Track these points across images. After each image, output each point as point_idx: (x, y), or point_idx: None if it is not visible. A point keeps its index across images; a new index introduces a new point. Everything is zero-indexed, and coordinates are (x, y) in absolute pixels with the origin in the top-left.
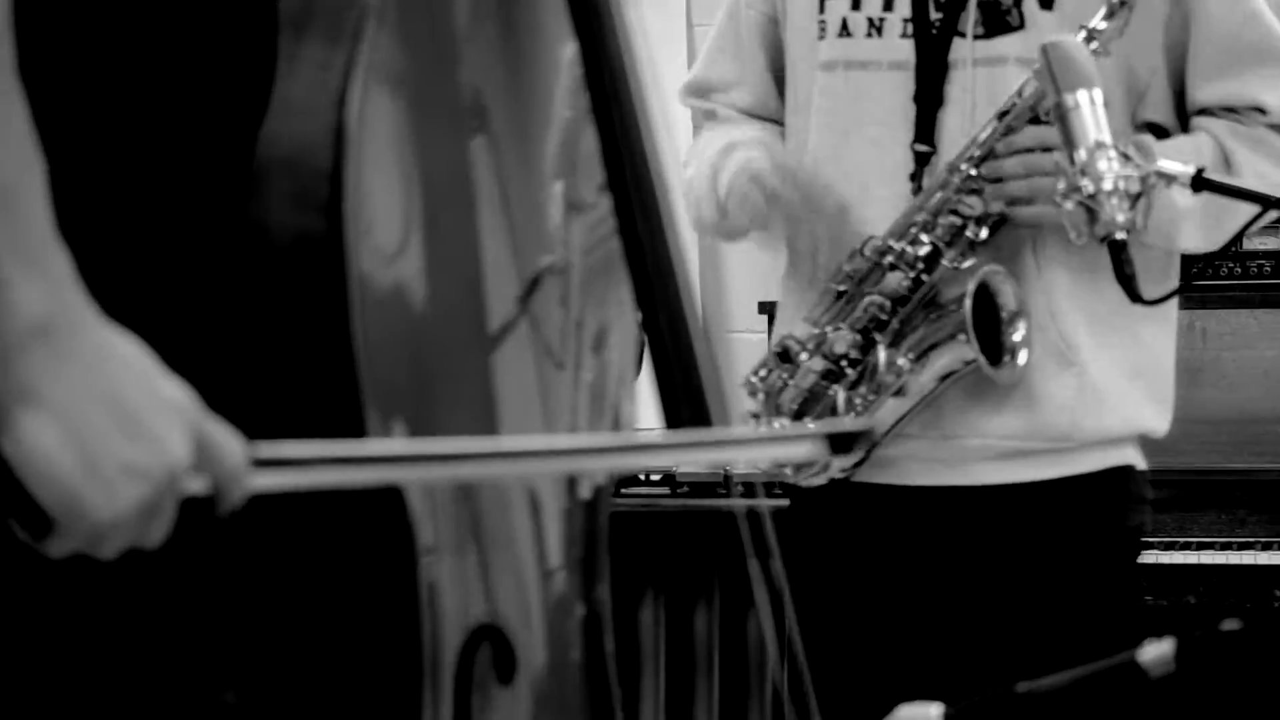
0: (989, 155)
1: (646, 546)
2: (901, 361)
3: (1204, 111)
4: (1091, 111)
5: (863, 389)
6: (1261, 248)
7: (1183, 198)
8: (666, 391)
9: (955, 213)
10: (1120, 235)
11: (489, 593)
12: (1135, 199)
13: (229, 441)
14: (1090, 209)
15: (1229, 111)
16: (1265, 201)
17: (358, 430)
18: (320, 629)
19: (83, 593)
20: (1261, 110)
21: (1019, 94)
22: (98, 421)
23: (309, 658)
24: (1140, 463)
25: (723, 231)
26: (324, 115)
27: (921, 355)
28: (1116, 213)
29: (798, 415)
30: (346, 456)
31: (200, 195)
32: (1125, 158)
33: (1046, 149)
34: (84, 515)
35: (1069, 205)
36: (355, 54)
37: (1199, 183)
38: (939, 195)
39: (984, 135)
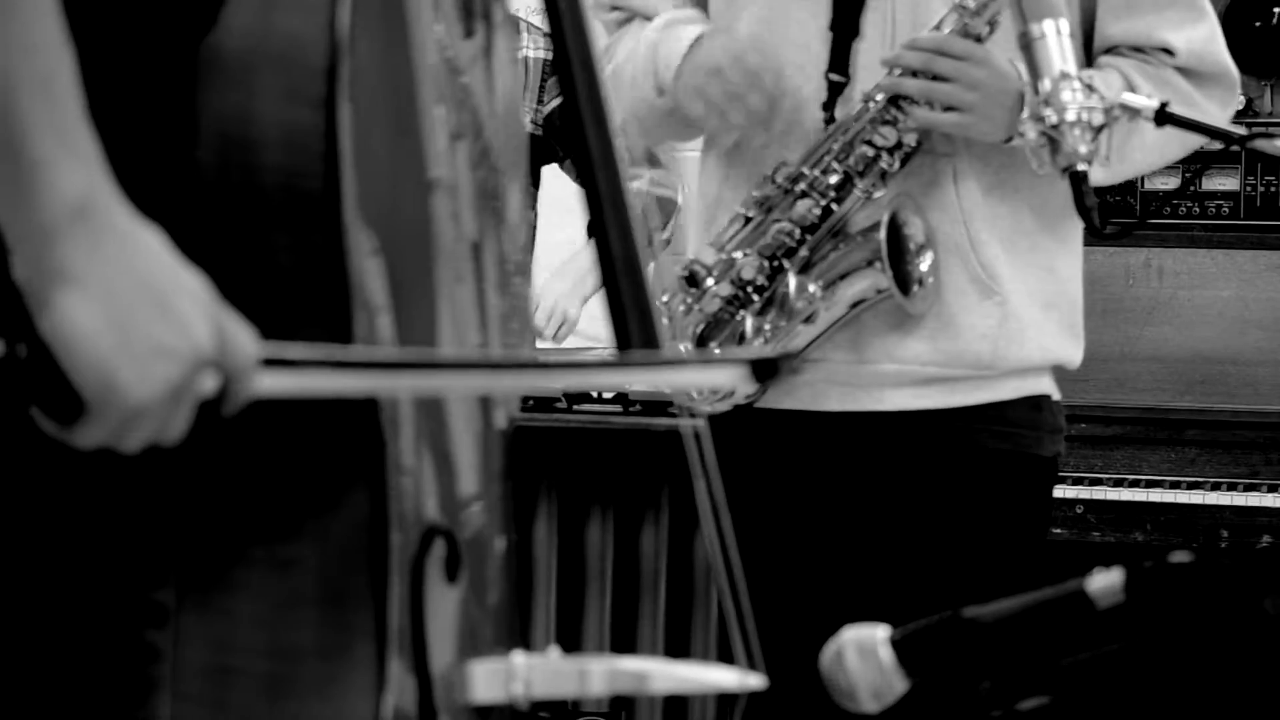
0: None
1: (596, 463)
2: (812, 289)
3: (1112, 50)
4: (1057, 41)
5: (771, 315)
6: (1220, 188)
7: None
8: (617, 311)
9: (869, 143)
10: (1082, 166)
11: (439, 496)
12: (1098, 131)
13: (243, 333)
14: (1053, 139)
15: (1136, 51)
16: (1227, 137)
17: (345, 330)
18: (299, 515)
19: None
20: (1169, 51)
21: (938, 27)
22: (133, 302)
23: (289, 545)
24: (1054, 392)
25: (657, 114)
26: (318, 13)
27: (832, 283)
28: (1079, 144)
29: (701, 341)
30: (350, 361)
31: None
32: (1089, 89)
33: (942, 53)
34: (119, 394)
35: (1031, 134)
36: None
37: (1162, 116)
38: (854, 126)
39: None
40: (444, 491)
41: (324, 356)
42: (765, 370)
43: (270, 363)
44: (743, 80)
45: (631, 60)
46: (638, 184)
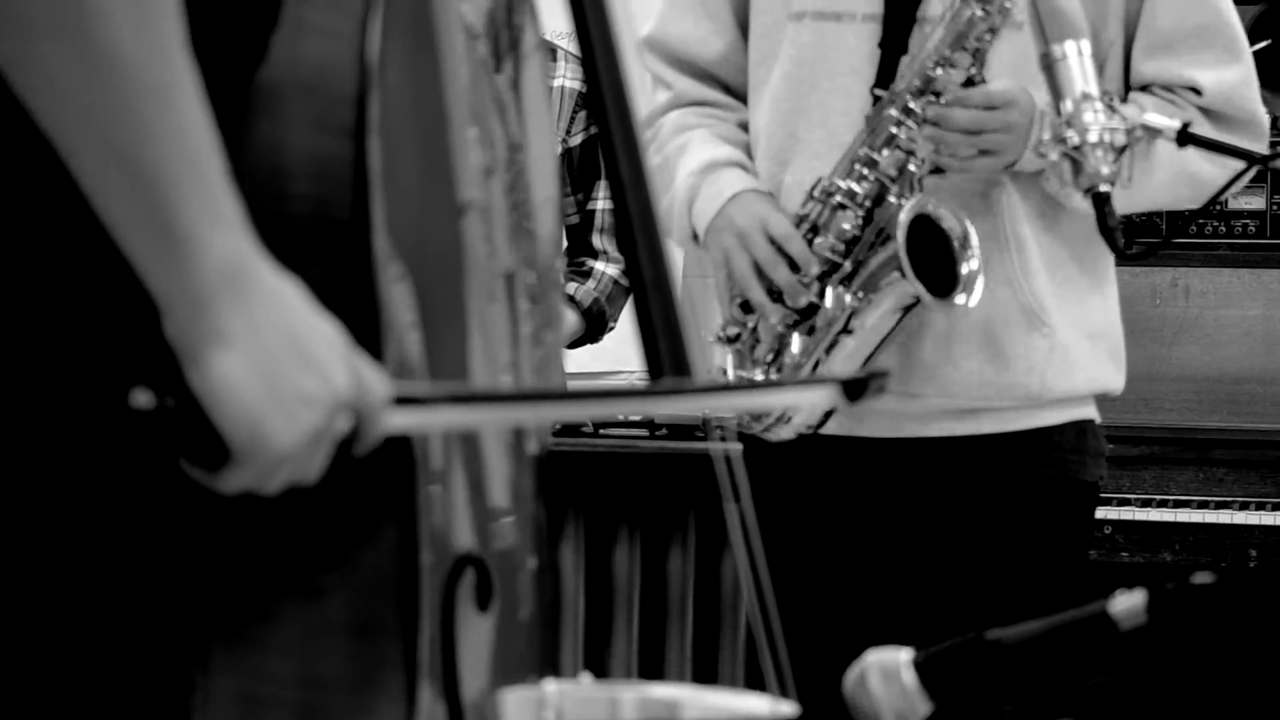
0: (927, 86)
1: (623, 487)
2: (848, 299)
3: (1144, 88)
4: (1079, 63)
5: (815, 332)
6: (1246, 207)
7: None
8: (648, 332)
9: (898, 146)
10: (1104, 187)
11: (470, 506)
12: (1120, 151)
13: (375, 375)
14: (1075, 160)
15: (1166, 90)
16: (1250, 158)
17: (375, 354)
18: (331, 545)
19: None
20: (1197, 91)
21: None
22: (279, 354)
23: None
24: (1097, 417)
25: (694, 249)
26: (348, 41)
27: (870, 291)
28: (1101, 165)
29: (772, 366)
30: (473, 396)
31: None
32: (1111, 110)
33: (991, 108)
34: (266, 443)
35: (1053, 155)
36: None
37: (1184, 137)
38: (879, 128)
39: (919, 66)
40: (475, 501)
41: (449, 393)
42: (857, 389)
43: (400, 401)
44: (767, 256)
45: (672, 197)
46: None
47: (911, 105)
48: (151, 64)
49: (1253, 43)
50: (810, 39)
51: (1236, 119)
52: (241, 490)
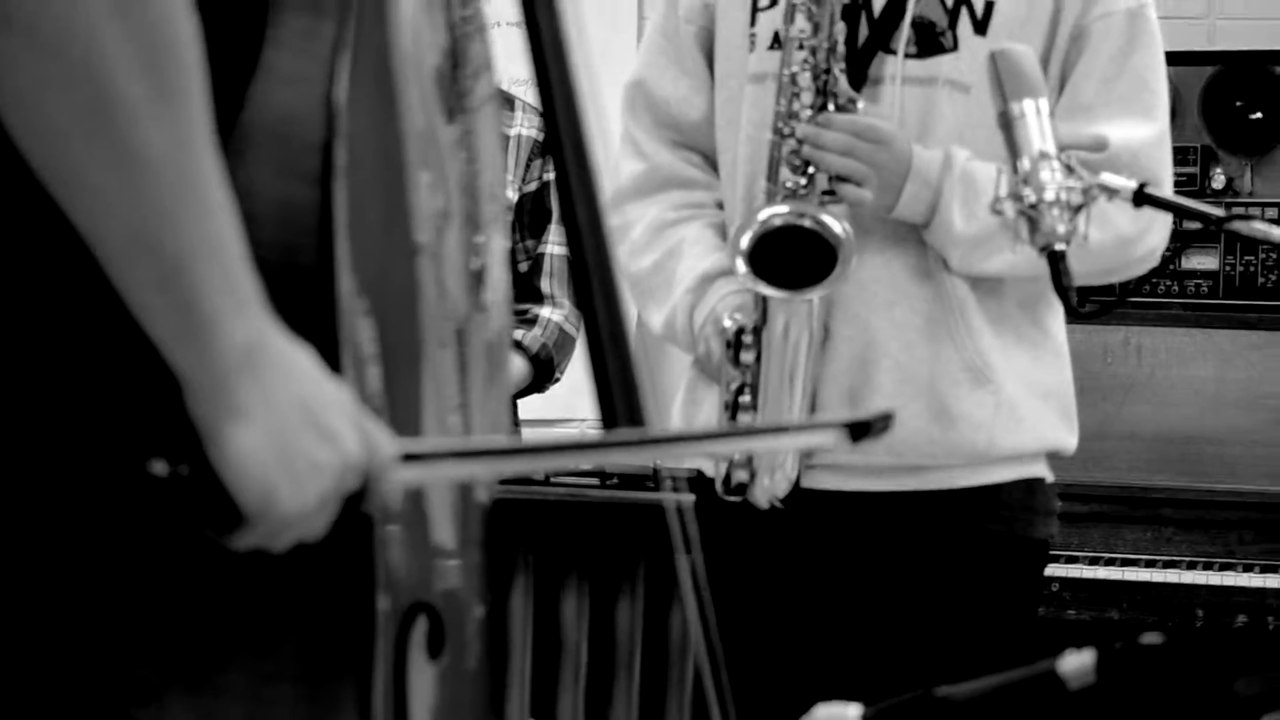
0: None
1: (573, 536)
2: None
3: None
4: (1037, 121)
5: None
6: (1200, 267)
7: (961, 222)
8: (603, 384)
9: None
10: (1060, 246)
11: (423, 571)
12: (1076, 210)
13: (382, 436)
14: (1031, 218)
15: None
16: (1205, 218)
17: None
18: (284, 591)
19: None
20: (1102, 146)
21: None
22: (292, 425)
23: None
24: (1048, 475)
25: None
26: (315, 86)
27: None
28: (1058, 224)
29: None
30: (476, 450)
31: None
32: (1068, 169)
33: (857, 135)
34: (278, 508)
35: (1010, 213)
36: (344, 25)
37: (1140, 198)
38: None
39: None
40: (418, 539)
41: (451, 448)
42: (861, 431)
43: (407, 457)
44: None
45: (673, 309)
46: None
47: (781, 127)
48: (177, 158)
49: (1208, 105)
50: (768, 101)
51: (1140, 178)
52: (251, 548)
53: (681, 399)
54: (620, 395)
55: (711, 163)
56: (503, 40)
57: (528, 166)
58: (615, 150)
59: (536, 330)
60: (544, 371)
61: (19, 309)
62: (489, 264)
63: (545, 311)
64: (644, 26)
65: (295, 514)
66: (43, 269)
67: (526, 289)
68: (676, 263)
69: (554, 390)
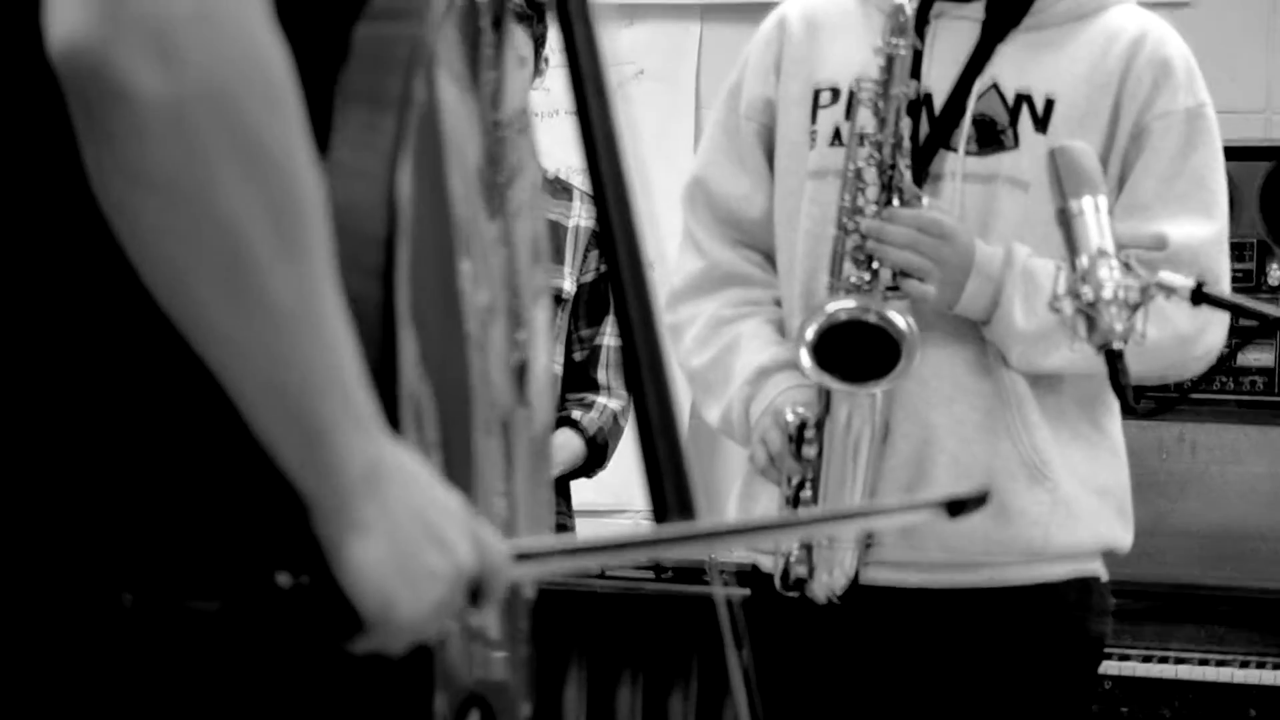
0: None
1: (627, 629)
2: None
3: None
4: (1095, 218)
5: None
6: (1255, 363)
7: (1022, 319)
8: (654, 474)
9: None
10: (1118, 345)
11: (475, 661)
12: (1134, 309)
13: (495, 538)
14: (1089, 316)
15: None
16: (1263, 317)
17: None
18: (346, 681)
19: None
20: (1163, 244)
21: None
22: (410, 536)
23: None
24: (1103, 574)
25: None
26: (377, 181)
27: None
28: (1115, 322)
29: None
30: (582, 548)
31: None
32: (1126, 267)
33: (922, 230)
34: (397, 616)
35: (1068, 310)
36: (404, 119)
37: (1198, 296)
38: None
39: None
40: (468, 631)
41: (559, 546)
42: (958, 509)
43: (520, 557)
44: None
45: (730, 402)
46: None
47: (845, 222)
48: (304, 307)
49: (1266, 199)
50: (829, 198)
51: (1199, 277)
52: (370, 651)
53: (738, 493)
54: (671, 485)
55: (771, 260)
56: (561, 129)
57: (585, 256)
58: (662, 235)
59: (594, 414)
60: (597, 455)
61: (167, 432)
62: (530, 359)
63: (602, 399)
64: (701, 114)
65: (413, 620)
66: (185, 394)
67: (583, 378)
68: (734, 357)
69: (604, 479)
